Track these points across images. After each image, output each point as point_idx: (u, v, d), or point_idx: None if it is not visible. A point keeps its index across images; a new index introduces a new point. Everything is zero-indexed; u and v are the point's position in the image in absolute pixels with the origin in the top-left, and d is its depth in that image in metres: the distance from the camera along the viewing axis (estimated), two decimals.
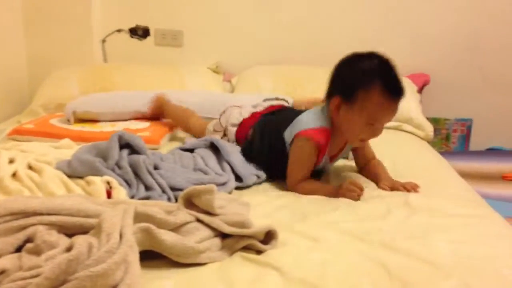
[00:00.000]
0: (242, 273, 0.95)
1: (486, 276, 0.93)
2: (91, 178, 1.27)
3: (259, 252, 1.03)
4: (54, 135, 1.84)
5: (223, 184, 1.38)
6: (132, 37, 2.92)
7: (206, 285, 0.92)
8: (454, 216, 1.23)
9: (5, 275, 0.83)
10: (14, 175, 1.27)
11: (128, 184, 1.29)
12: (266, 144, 1.57)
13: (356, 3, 2.78)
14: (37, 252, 0.89)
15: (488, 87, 2.88)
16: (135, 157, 1.34)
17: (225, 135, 1.75)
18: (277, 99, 2.01)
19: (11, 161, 1.33)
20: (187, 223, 1.04)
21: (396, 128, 2.22)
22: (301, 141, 1.46)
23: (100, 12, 2.86)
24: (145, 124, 2.01)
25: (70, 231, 0.96)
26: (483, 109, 2.89)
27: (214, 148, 1.57)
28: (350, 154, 1.67)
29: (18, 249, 0.92)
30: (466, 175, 2.22)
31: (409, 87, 2.14)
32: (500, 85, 2.87)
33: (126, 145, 1.38)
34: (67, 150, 1.57)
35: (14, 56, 2.68)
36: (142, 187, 1.29)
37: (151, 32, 2.90)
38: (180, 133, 2.04)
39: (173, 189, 1.30)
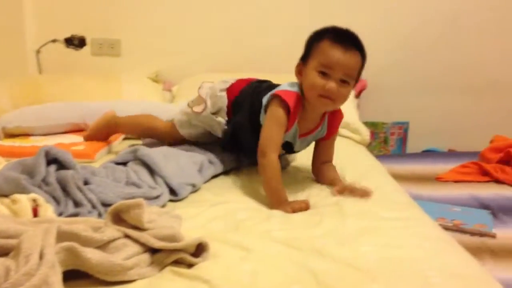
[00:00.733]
0: None
1: (411, 279, 0.96)
2: (16, 196, 1.22)
3: (190, 265, 1.02)
4: None
5: (156, 197, 1.36)
6: (68, 47, 2.85)
7: None
8: (383, 220, 1.25)
9: None
10: None
11: (56, 200, 1.25)
12: (248, 110, 1.59)
13: (294, 9, 2.82)
14: None
15: (423, 91, 2.98)
16: (63, 172, 1.30)
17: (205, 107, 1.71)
18: None
19: None
20: (115, 239, 1.01)
21: None
22: (274, 104, 1.48)
23: (34, 22, 2.78)
24: (80, 138, 1.96)
25: None
26: (418, 112, 2.99)
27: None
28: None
29: None
30: (402, 178, 2.29)
31: None
32: (434, 88, 2.98)
33: (54, 160, 1.34)
34: None
35: None
36: (71, 204, 1.25)
37: (88, 41, 2.85)
38: (118, 146, 1.99)
39: (105, 204, 1.27)
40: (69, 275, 0.91)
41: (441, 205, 1.99)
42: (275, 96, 1.49)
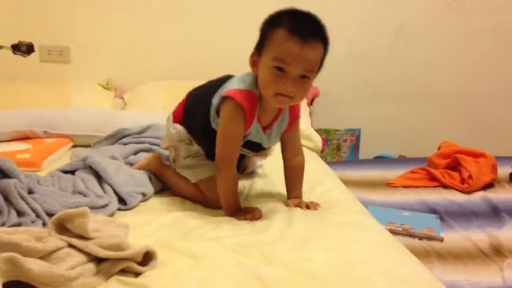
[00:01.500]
0: None
1: (358, 284, 0.96)
2: None
3: (137, 274, 1.00)
4: None
5: (104, 206, 1.33)
6: (15, 53, 2.75)
7: None
8: (332, 225, 1.26)
9: None
10: None
11: None
12: (200, 118, 1.45)
13: (243, 17, 2.82)
14: None
15: (374, 99, 3.04)
16: (5, 181, 1.25)
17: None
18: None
19: None
20: (59, 249, 0.98)
21: None
22: (226, 109, 1.35)
23: None
24: (25, 145, 1.91)
25: None
26: (370, 120, 3.05)
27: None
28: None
29: None
30: (355, 183, 2.33)
31: None
32: (384, 97, 3.05)
33: None
34: None
35: None
36: (14, 213, 1.21)
37: (36, 48, 2.76)
38: (67, 153, 1.95)
39: (49, 214, 1.23)
40: (11, 287, 0.88)
41: (392, 210, 2.02)
42: (228, 98, 1.34)
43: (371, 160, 2.89)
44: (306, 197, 1.53)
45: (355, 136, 3.04)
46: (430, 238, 1.80)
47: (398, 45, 2.98)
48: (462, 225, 1.92)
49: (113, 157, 1.69)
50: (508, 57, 3.03)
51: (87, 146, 2.00)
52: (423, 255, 1.68)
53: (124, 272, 1.00)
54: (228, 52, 2.79)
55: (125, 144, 1.87)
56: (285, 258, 1.05)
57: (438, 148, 2.67)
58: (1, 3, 2.72)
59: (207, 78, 2.69)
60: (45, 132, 2.03)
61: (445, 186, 2.30)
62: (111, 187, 1.41)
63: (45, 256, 0.96)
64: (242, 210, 1.39)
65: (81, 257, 0.99)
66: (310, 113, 2.78)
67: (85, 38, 2.78)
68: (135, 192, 1.44)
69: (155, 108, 2.43)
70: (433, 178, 2.36)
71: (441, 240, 1.79)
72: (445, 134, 2.88)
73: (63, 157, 1.92)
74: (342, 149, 3.04)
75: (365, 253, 1.10)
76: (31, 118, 2.07)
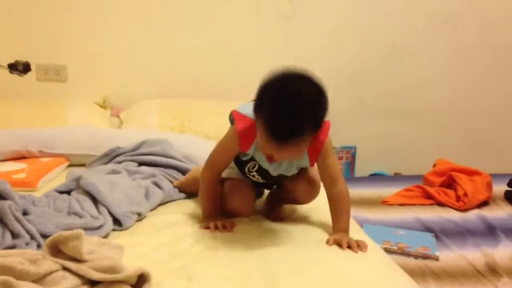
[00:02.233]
0: None
1: None
2: None
3: None
4: None
5: (98, 227, 1.32)
6: (11, 72, 2.78)
7: None
8: (328, 247, 1.27)
9: None
10: None
11: None
12: None
13: (242, 35, 2.84)
14: None
15: (370, 116, 3.05)
16: None
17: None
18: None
19: None
20: (53, 272, 0.98)
21: None
22: (231, 127, 1.41)
23: None
24: (21, 165, 1.90)
25: None
26: (365, 137, 3.06)
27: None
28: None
29: None
30: (351, 201, 2.33)
31: None
32: (380, 114, 3.06)
33: None
34: None
35: None
36: (8, 235, 1.21)
37: (33, 67, 2.78)
38: (63, 173, 1.94)
39: (44, 235, 1.23)
40: None
41: (387, 228, 2.02)
42: (234, 114, 1.40)
43: (367, 178, 2.89)
44: (297, 213, 1.53)
45: (351, 153, 3.04)
46: (425, 257, 1.80)
47: (393, 62, 3.00)
48: (458, 243, 1.92)
49: (115, 171, 1.71)
50: (502, 74, 3.05)
51: (83, 165, 2.00)
52: (418, 275, 1.68)
53: None
54: (224, 72, 2.81)
55: (120, 162, 1.87)
56: (284, 280, 1.06)
57: (434, 166, 2.68)
58: None
59: (203, 97, 2.75)
60: (40, 151, 2.03)
61: (441, 204, 2.31)
62: (106, 207, 1.41)
63: (39, 279, 0.96)
64: (216, 219, 1.41)
65: (75, 280, 0.99)
66: None
67: (81, 57, 2.79)
68: (130, 212, 1.44)
69: (151, 127, 2.43)
70: (428, 196, 2.37)
71: (437, 259, 1.79)
72: (440, 152, 2.89)
73: (59, 176, 1.92)
74: None
75: (361, 273, 1.11)
76: (27, 137, 2.06)
